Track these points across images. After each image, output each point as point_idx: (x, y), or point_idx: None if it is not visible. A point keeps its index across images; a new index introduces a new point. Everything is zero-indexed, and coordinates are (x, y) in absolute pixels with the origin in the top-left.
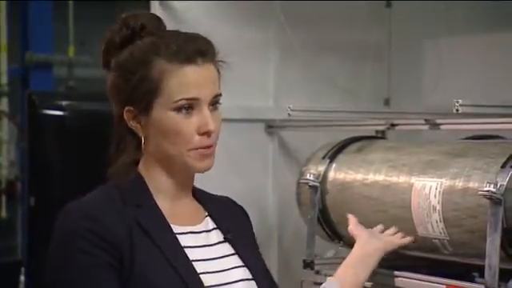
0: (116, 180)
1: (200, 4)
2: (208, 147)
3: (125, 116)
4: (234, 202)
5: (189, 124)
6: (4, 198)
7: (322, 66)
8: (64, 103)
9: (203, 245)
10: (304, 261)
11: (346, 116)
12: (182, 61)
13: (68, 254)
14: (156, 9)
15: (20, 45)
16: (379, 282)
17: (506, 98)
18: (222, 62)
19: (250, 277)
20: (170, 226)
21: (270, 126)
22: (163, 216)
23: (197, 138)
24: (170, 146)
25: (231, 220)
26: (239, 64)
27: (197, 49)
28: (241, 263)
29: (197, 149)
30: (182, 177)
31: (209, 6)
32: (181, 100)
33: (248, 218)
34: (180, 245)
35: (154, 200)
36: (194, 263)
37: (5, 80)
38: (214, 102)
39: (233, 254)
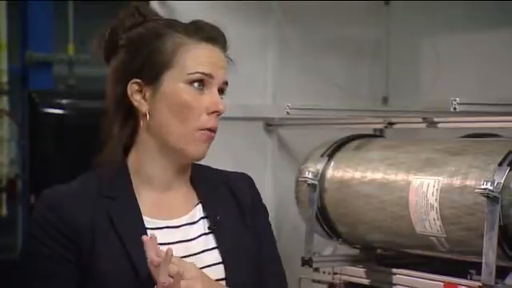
0: (100, 169)
1: (199, 4)
2: (212, 131)
3: (129, 90)
4: (246, 179)
5: (199, 101)
6: (4, 196)
7: (320, 65)
8: (64, 101)
9: (179, 240)
10: (302, 258)
11: (345, 114)
12: (201, 38)
13: (27, 240)
14: (155, 9)
15: (20, 44)
16: (378, 279)
17: (503, 96)
18: (228, 58)
19: (223, 276)
20: (142, 221)
21: (269, 124)
22: (138, 209)
23: (205, 116)
24: (175, 121)
25: (227, 203)
26: (238, 63)
27: (215, 33)
28: (219, 259)
29: (202, 129)
30: (177, 163)
31: (207, 6)
32: (196, 73)
33: (256, 194)
34: None
35: (133, 192)
36: None
37: (5, 79)
38: (222, 89)
39: (213, 249)
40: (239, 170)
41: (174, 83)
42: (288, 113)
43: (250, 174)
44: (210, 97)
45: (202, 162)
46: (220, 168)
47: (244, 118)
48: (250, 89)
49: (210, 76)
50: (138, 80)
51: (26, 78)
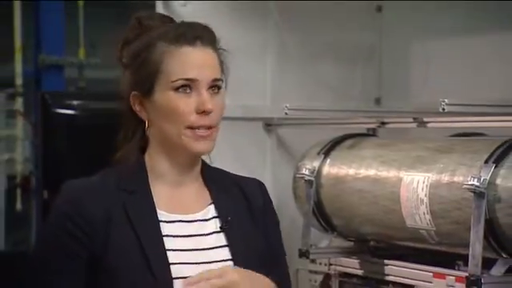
0: (117, 165)
1: (201, 8)
2: (206, 128)
3: (131, 101)
4: (260, 185)
5: (187, 103)
6: (19, 192)
7: (316, 68)
8: (75, 103)
9: (191, 234)
10: (300, 250)
11: (340, 114)
12: (181, 43)
13: (43, 230)
14: (160, 10)
15: (33, 48)
16: (371, 270)
17: (489, 97)
18: (223, 49)
19: None
20: (157, 214)
21: (268, 124)
22: (153, 203)
23: (194, 115)
24: (168, 125)
25: (239, 205)
26: (239, 66)
27: (196, 33)
28: (229, 256)
29: (193, 128)
30: (183, 160)
31: (210, 12)
32: (179, 80)
33: (267, 200)
34: (160, 233)
35: (149, 186)
36: (169, 253)
37: (20, 81)
38: (214, 86)
39: (224, 246)
40: (241, 167)
41: (163, 92)
42: (286, 113)
43: (250, 170)
44: (198, 98)
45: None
46: (221, 163)
47: (244, 118)
48: (251, 90)
49: (194, 80)
50: (136, 92)
51: (39, 81)
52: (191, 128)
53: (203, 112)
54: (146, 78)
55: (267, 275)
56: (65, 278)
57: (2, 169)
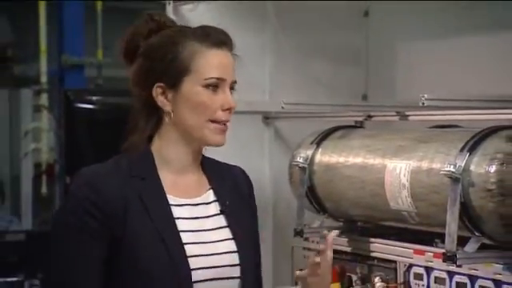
0: (127, 153)
1: (208, 11)
2: (225, 123)
3: (154, 92)
4: (243, 173)
5: (214, 100)
6: (45, 178)
7: (310, 67)
8: (94, 98)
9: (197, 216)
10: (295, 230)
11: (331, 109)
12: (211, 44)
13: (63, 213)
14: (169, 13)
15: (57, 50)
16: (358, 247)
17: (466, 93)
18: (235, 55)
19: (235, 249)
20: (167, 198)
21: (267, 117)
22: (163, 189)
23: (220, 112)
24: (192, 116)
25: (232, 191)
26: (241, 65)
27: (222, 38)
28: (230, 236)
29: (217, 122)
30: (194, 150)
31: (214, 13)
32: (211, 78)
33: (251, 187)
34: (172, 216)
35: (157, 173)
36: (182, 233)
37: (44, 79)
38: (232, 87)
39: (225, 227)
40: (242, 157)
41: (192, 87)
42: (283, 107)
43: (250, 159)
44: (223, 96)
45: (212, 150)
46: (224, 152)
47: (245, 112)
48: (251, 87)
49: (222, 79)
50: (162, 84)
51: (62, 79)
52: (213, 122)
53: (228, 109)
54: (175, 73)
55: (256, 256)
56: (87, 255)
57: (30, 157)
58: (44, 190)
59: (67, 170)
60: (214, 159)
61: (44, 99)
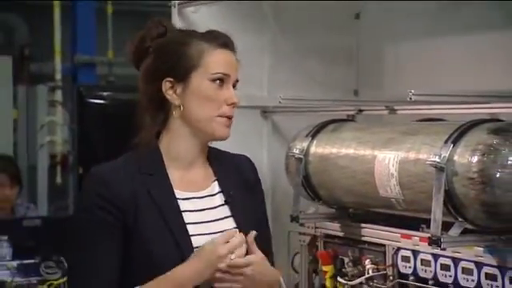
0: (137, 150)
1: (209, 14)
2: (229, 118)
3: (163, 86)
4: (249, 161)
5: (220, 94)
6: (59, 168)
7: (305, 65)
8: (105, 94)
9: (202, 208)
10: (291, 216)
11: (324, 103)
12: (218, 45)
13: (78, 209)
14: (174, 16)
15: (70, 49)
16: (349, 232)
17: (450, 89)
18: (237, 60)
19: None
20: (174, 193)
21: (265, 112)
22: (170, 184)
23: (225, 107)
24: (201, 109)
25: (238, 181)
26: (241, 63)
27: (228, 40)
28: (234, 225)
29: (223, 116)
30: (201, 143)
31: (216, 16)
32: (218, 73)
33: (256, 174)
34: (179, 209)
35: (165, 169)
36: (188, 226)
37: (59, 76)
38: (234, 85)
39: (229, 217)
40: (242, 148)
41: (200, 81)
42: (280, 102)
43: (250, 150)
44: (228, 91)
45: (214, 142)
46: (225, 145)
47: (245, 107)
48: (251, 83)
49: (228, 75)
50: (171, 79)
51: (75, 76)
52: (221, 116)
53: (232, 104)
54: (184, 68)
55: (261, 243)
56: (104, 245)
57: (45, 149)
58: (58, 179)
59: (80, 160)
60: (219, 149)
61: (58, 95)
